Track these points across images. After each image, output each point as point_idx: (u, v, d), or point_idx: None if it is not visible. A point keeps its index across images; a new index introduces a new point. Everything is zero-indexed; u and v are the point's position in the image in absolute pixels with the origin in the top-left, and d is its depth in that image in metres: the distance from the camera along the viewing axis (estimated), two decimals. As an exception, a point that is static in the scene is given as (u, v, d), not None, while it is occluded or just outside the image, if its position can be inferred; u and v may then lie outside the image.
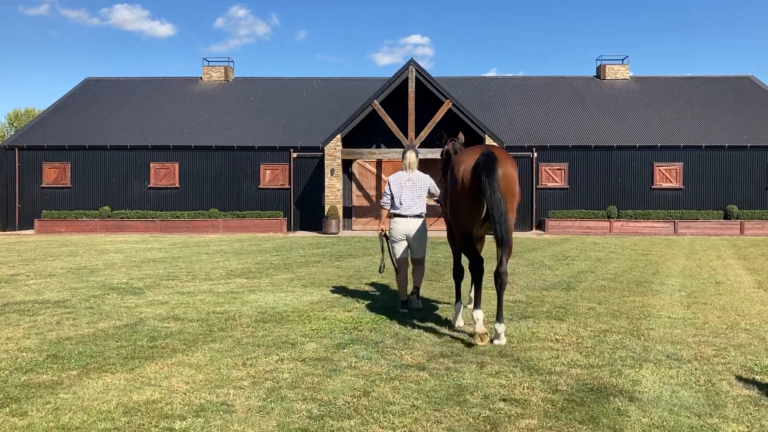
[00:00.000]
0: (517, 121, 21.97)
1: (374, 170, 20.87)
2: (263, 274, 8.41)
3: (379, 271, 6.18)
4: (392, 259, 5.99)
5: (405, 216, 6.02)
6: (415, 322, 5.19)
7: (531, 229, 20.38)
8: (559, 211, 20.27)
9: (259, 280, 7.70)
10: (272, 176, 21.00)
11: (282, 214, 20.53)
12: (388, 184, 6.14)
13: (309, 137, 21.35)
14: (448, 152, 6.05)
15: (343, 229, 20.37)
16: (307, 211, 20.85)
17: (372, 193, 20.85)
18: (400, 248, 5.98)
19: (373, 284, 7.37)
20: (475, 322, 4.78)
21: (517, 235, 17.99)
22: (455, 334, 4.78)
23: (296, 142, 21.05)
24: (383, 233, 6.32)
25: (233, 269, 8.99)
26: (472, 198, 4.76)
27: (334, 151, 19.45)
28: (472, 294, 5.56)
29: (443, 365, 3.91)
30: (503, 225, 4.41)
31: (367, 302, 6.14)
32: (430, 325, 5.06)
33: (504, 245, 4.46)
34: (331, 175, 19.38)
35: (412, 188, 6.09)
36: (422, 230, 6.04)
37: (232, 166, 21.00)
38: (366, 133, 20.51)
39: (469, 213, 4.81)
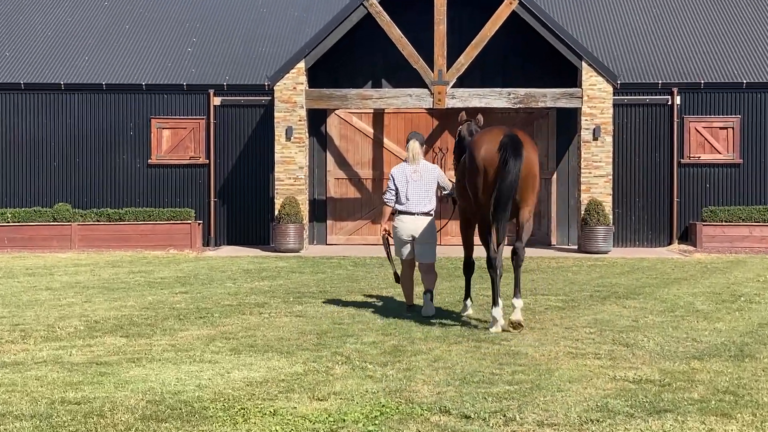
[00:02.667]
0: (642, 41, 22.61)
1: (369, 129, 21.45)
2: (157, 328, 8.94)
3: (396, 281, 9.80)
4: (392, 265, 9.81)
5: (413, 213, 9.44)
6: (438, 380, 5.40)
7: (669, 242, 20.98)
8: (722, 209, 20.51)
9: (150, 341, 8.20)
10: (174, 142, 21.52)
11: (193, 215, 20.99)
12: (392, 177, 9.53)
13: (244, 68, 22.02)
14: (462, 135, 9.53)
15: (312, 241, 21.01)
16: (240, 208, 21.41)
17: (366, 172, 21.41)
18: (405, 249, 9.53)
19: (365, 344, 7.92)
20: (497, 322, 8.61)
21: (644, 254, 18.67)
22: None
23: (219, 78, 21.65)
24: (386, 234, 9.73)
25: (100, 319, 9.52)
26: (493, 182, 8.31)
27: (292, 94, 19.91)
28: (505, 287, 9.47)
29: None
30: (501, 208, 8.33)
31: (355, 379, 6.48)
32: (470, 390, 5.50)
33: (496, 220, 8.43)
34: (288, 139, 19.89)
35: (419, 181, 9.49)
36: (431, 230, 9.56)
37: (96, 123, 21.52)
38: (353, 59, 21.06)
39: (491, 198, 8.41)
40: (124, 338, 8.29)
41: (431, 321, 9.20)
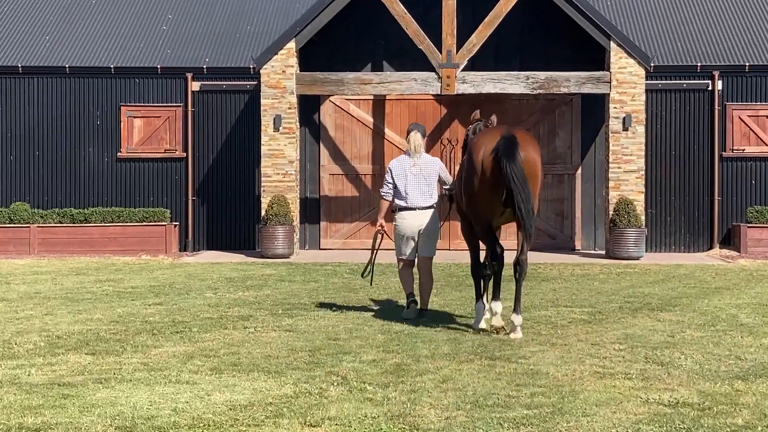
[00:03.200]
0: (678, 18, 22.67)
1: (368, 117, 21.44)
2: (128, 344, 8.90)
3: (362, 276, 10.74)
4: (370, 265, 10.95)
5: (414, 208, 10.23)
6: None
7: (709, 247, 21.01)
8: (769, 209, 20.54)
9: (120, 358, 8.16)
10: (147, 133, 21.50)
11: (169, 215, 20.96)
12: (389, 171, 10.34)
13: (226, 49, 22.08)
14: (469, 135, 10.28)
15: (304, 246, 20.94)
16: (222, 208, 21.39)
17: (365, 167, 21.36)
18: (408, 247, 10.37)
19: (364, 362, 7.90)
20: (493, 315, 9.36)
21: (680, 260, 18.71)
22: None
23: (199, 60, 21.68)
24: (381, 230, 10.58)
25: (63, 334, 9.44)
26: (491, 185, 9.08)
27: (281, 78, 19.86)
28: (490, 286, 9.62)
29: None
30: (527, 208, 8.80)
31: (353, 402, 6.43)
32: None
33: (527, 231, 8.98)
34: (276, 129, 19.80)
35: (419, 175, 10.25)
36: (435, 224, 10.43)
37: (58, 111, 21.46)
38: (351, 39, 21.06)
39: (489, 201, 9.24)
40: (90, 356, 8.23)
41: (439, 336, 9.19)
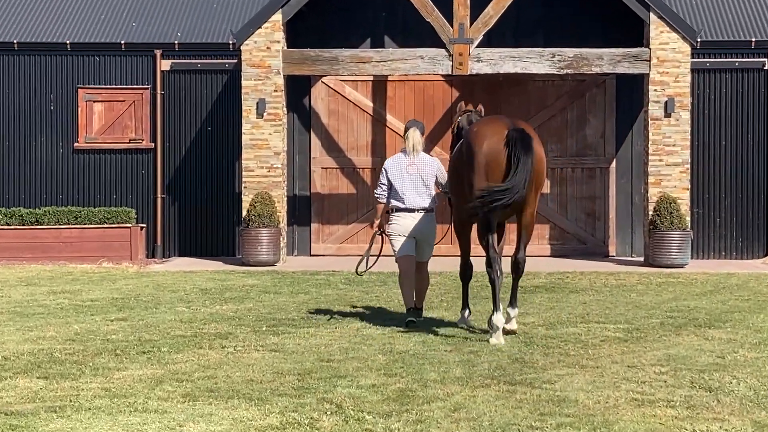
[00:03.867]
0: None
1: (367, 102, 21.36)
2: (86, 366, 8.81)
3: (356, 271, 11.79)
4: (364, 261, 11.63)
5: (411, 210, 11.11)
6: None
7: (765, 253, 20.99)
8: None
9: (77, 383, 8.06)
10: (109, 119, 21.38)
11: (134, 216, 20.85)
12: (384, 172, 11.22)
13: (201, 22, 21.97)
14: (461, 126, 11.45)
15: (292, 251, 20.92)
16: (197, 208, 21.28)
17: (363, 160, 21.25)
18: (403, 246, 11.20)
19: (362, 387, 7.84)
20: (495, 329, 10.09)
21: (732, 268, 18.78)
22: None
23: (169, 34, 21.60)
24: (379, 232, 11.60)
25: (11, 355, 9.39)
26: (495, 179, 9.85)
27: (265, 56, 19.74)
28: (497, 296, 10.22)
29: None
30: (513, 196, 9.69)
31: None
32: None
33: (524, 230, 10.40)
34: (260, 115, 19.67)
35: (416, 175, 11.10)
36: (432, 228, 11.30)
37: (5, 94, 21.40)
38: (346, 10, 20.95)
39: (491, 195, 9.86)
40: (43, 380, 8.13)
41: (450, 357, 9.17)
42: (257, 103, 19.48)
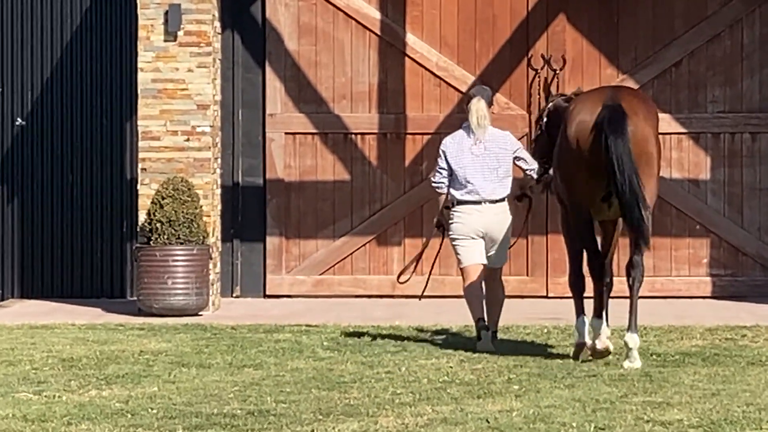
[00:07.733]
0: None
1: (373, 12, 16.30)
2: None
3: (398, 279, 11.77)
4: (410, 270, 11.86)
5: (478, 202, 10.75)
6: None
7: None
8: None
9: None
10: None
11: None
12: (442, 154, 10.98)
13: None
14: (558, 109, 11.14)
15: (232, 288, 16.38)
16: (54, 210, 16.87)
17: (363, 118, 16.43)
18: (470, 252, 10.79)
19: None
20: (596, 336, 10.34)
21: None
22: None
23: None
24: (440, 223, 11.35)
25: None
26: (589, 167, 9.79)
27: None
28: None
29: None
30: (635, 208, 9.29)
31: None
32: None
33: (638, 231, 9.63)
34: (170, 34, 14.80)
35: (485, 158, 10.84)
36: (506, 223, 11.02)
37: None
38: None
39: (586, 188, 9.89)
40: None
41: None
42: (166, 14, 14.55)
